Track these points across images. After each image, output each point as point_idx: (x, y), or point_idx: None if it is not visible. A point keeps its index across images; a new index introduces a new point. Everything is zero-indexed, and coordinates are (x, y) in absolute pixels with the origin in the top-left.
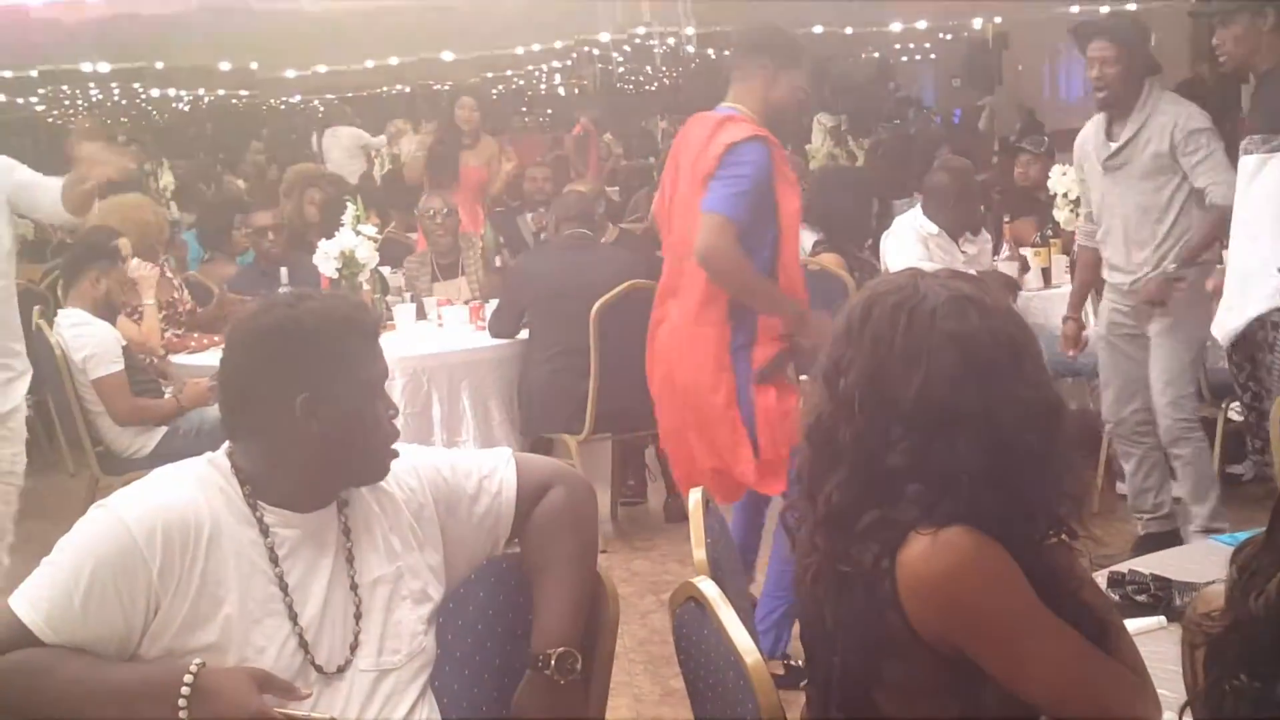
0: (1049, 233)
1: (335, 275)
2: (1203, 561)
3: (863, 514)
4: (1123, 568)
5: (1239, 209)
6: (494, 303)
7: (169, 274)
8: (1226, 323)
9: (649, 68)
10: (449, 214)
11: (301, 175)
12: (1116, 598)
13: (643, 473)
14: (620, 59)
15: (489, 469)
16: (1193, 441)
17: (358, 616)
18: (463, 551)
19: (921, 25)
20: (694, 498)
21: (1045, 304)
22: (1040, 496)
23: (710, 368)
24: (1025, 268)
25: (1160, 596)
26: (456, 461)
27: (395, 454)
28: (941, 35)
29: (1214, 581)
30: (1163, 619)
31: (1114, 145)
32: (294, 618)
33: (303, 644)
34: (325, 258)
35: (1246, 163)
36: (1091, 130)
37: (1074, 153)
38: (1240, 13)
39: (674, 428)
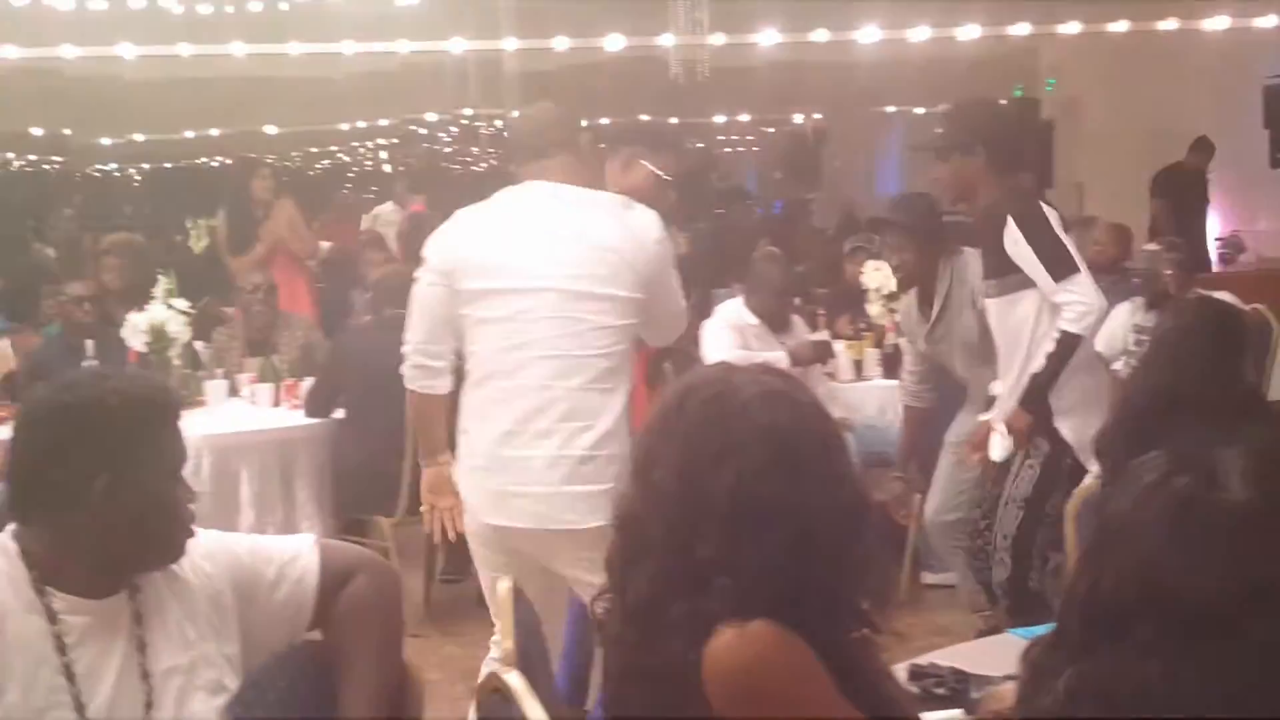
0: (862, 326)
1: (144, 349)
2: (1001, 655)
3: (671, 606)
4: (923, 660)
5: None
6: (309, 381)
7: None
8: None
9: (475, 149)
10: (270, 290)
11: (109, 244)
12: (917, 690)
13: (465, 550)
14: (447, 139)
15: (290, 555)
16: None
17: (148, 706)
18: (261, 640)
19: (744, 118)
20: (503, 586)
21: (860, 396)
22: (845, 591)
23: None
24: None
25: (959, 689)
26: (256, 547)
27: (191, 534)
28: (763, 128)
29: (1006, 678)
30: (961, 713)
31: (925, 327)
32: (80, 709)
33: None
34: (134, 331)
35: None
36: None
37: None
38: (953, 152)
39: None
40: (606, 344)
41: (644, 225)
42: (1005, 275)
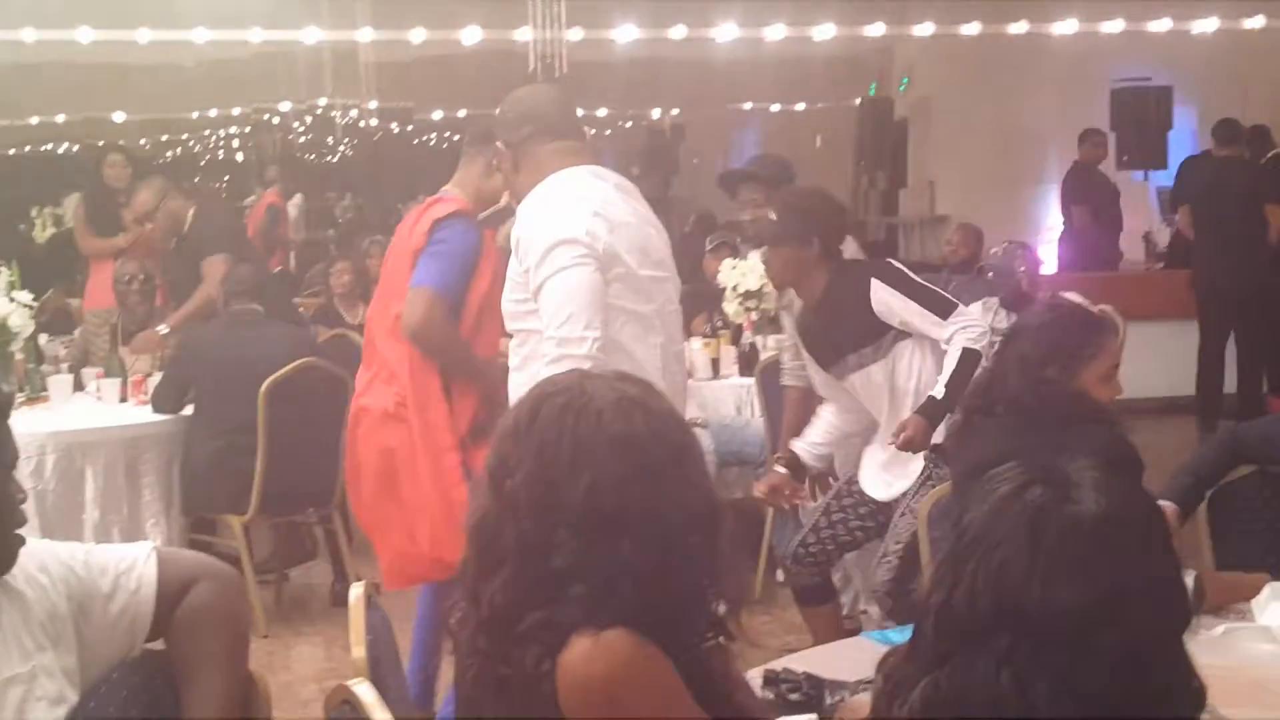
0: (719, 324)
1: None
2: (855, 659)
3: (525, 615)
4: (777, 665)
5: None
6: (158, 376)
7: None
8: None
9: (330, 139)
10: (146, 279)
11: None
12: (771, 696)
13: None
14: (301, 129)
15: (127, 564)
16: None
17: None
18: (99, 652)
19: (602, 113)
20: (355, 592)
21: (714, 393)
22: (700, 598)
23: (430, 450)
24: None
25: (812, 695)
26: (91, 557)
27: (22, 540)
28: (621, 123)
29: (861, 685)
30: (814, 718)
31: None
32: None
33: None
34: None
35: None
36: None
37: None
38: (787, 240)
39: (387, 517)
40: None
41: None
42: (879, 338)
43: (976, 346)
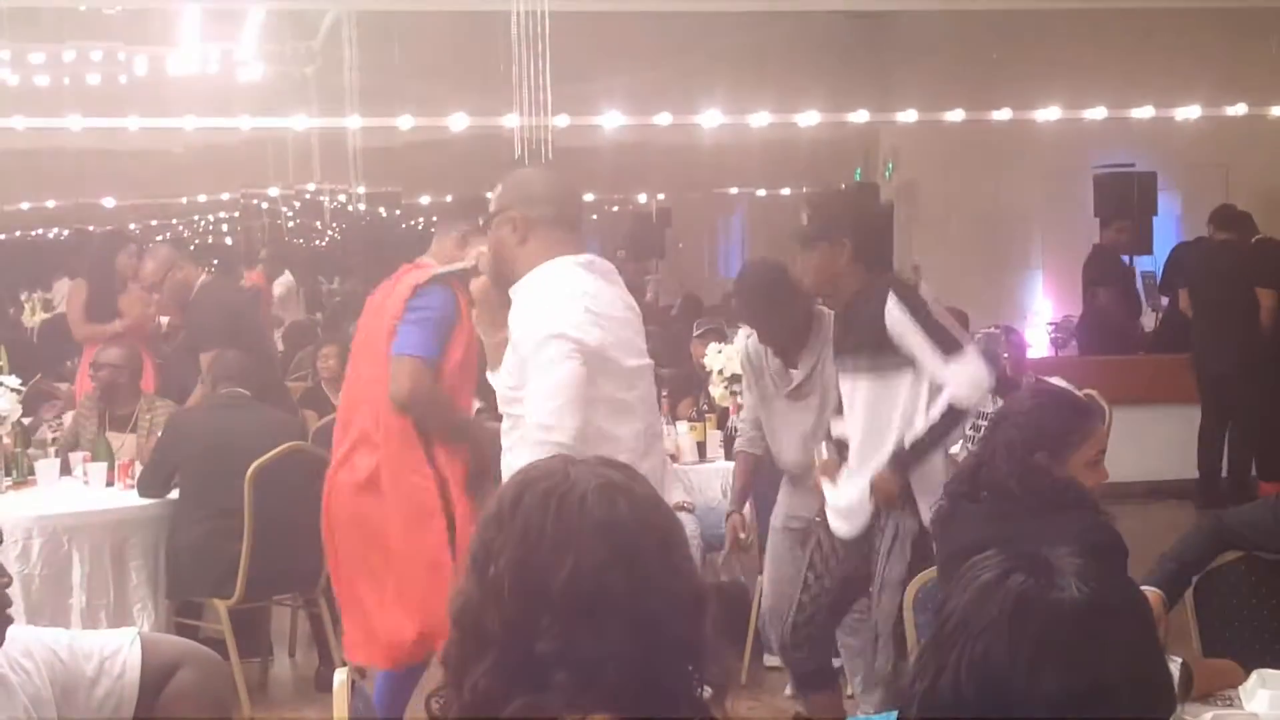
0: (704, 408)
1: None
2: None
3: (509, 702)
4: None
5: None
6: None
7: None
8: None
9: (319, 223)
10: (125, 367)
11: None
12: None
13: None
14: (290, 213)
15: (111, 650)
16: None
17: None
18: None
19: (589, 197)
20: (338, 679)
21: (700, 477)
22: (685, 684)
23: (419, 516)
24: None
25: None
26: (76, 643)
27: (10, 619)
28: (607, 207)
29: None
30: None
31: (797, 377)
32: None
33: None
34: None
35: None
36: (762, 350)
37: (741, 363)
38: (819, 241)
39: (356, 590)
40: None
41: None
42: (882, 355)
43: (964, 405)
